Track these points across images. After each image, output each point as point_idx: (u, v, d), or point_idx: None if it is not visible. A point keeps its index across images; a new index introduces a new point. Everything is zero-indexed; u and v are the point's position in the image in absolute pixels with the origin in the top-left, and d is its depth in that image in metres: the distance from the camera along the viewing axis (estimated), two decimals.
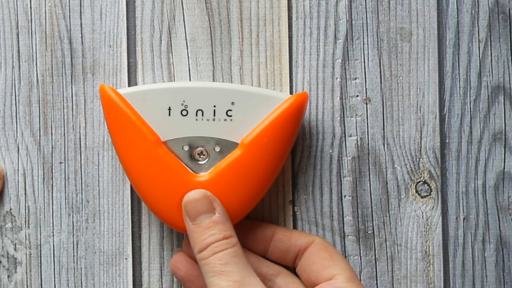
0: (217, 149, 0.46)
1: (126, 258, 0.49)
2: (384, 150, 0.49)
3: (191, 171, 0.45)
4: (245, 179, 0.45)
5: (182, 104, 0.45)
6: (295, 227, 0.49)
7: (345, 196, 0.49)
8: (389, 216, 0.49)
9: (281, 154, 0.46)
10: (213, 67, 0.49)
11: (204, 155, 0.46)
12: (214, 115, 0.45)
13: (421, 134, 0.49)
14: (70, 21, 0.48)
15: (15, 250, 0.48)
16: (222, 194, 0.45)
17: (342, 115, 0.49)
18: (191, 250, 0.45)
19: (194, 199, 0.44)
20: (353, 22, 0.49)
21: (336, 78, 0.49)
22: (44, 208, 0.48)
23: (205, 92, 0.45)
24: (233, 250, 0.42)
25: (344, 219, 0.49)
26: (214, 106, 0.45)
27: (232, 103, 0.45)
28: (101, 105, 0.48)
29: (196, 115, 0.45)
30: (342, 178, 0.49)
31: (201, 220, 0.43)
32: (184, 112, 0.45)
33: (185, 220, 0.44)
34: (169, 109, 0.45)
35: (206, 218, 0.43)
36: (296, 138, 0.49)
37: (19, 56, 0.48)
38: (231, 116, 0.45)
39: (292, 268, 0.47)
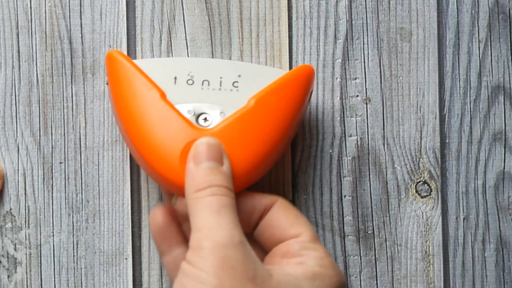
0: (222, 116, 0.44)
1: (126, 258, 0.49)
2: (384, 150, 0.49)
3: (196, 125, 0.44)
4: (252, 135, 0.43)
5: (188, 75, 0.45)
6: None
7: (345, 196, 0.49)
8: (389, 216, 0.49)
9: (289, 116, 0.44)
10: None
11: (208, 120, 0.44)
12: (220, 86, 0.45)
13: (421, 134, 0.49)
14: (70, 21, 0.48)
15: (15, 250, 0.48)
16: (229, 149, 0.43)
17: (342, 115, 0.49)
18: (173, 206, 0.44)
19: (208, 143, 0.42)
20: (353, 22, 0.49)
21: (336, 78, 0.49)
22: (44, 208, 0.48)
23: (212, 65, 0.45)
24: (231, 201, 0.40)
25: (344, 219, 0.49)
26: (221, 78, 0.45)
27: (239, 75, 0.45)
28: (100, 105, 0.48)
29: (202, 85, 0.45)
30: (342, 178, 0.49)
31: (207, 165, 0.41)
32: (190, 82, 0.45)
33: (188, 162, 0.41)
34: (175, 78, 0.45)
35: (213, 165, 0.41)
36: (296, 138, 0.49)
37: (19, 56, 0.48)
38: (237, 87, 0.45)
39: (249, 234, 0.44)
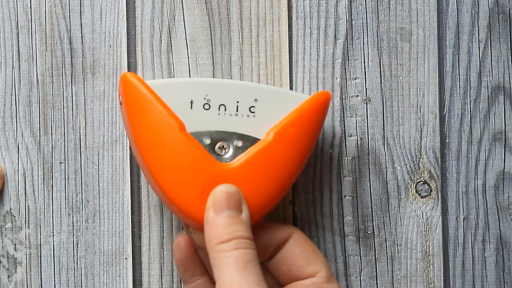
0: (239, 144, 0.45)
1: (126, 258, 0.49)
2: (384, 150, 0.49)
3: (216, 160, 0.44)
4: (272, 170, 0.44)
5: (204, 98, 0.44)
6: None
7: (345, 196, 0.49)
8: (389, 216, 0.49)
9: (307, 149, 0.45)
10: (213, 67, 0.49)
11: (225, 149, 0.45)
12: (237, 111, 0.45)
13: (421, 134, 0.49)
14: (70, 21, 0.48)
15: (15, 250, 0.48)
16: (248, 185, 0.43)
17: (342, 115, 0.49)
18: (195, 237, 0.44)
19: (228, 192, 0.42)
20: (353, 22, 0.49)
21: (336, 78, 0.49)
22: (44, 208, 0.48)
23: (228, 88, 0.45)
24: (255, 253, 0.40)
25: (344, 219, 0.49)
26: (237, 102, 0.45)
27: (255, 100, 0.45)
28: (100, 105, 0.48)
29: (219, 110, 0.45)
30: (342, 178, 0.49)
31: (227, 215, 0.41)
32: (207, 106, 0.44)
33: (207, 211, 0.42)
34: (191, 102, 0.44)
35: (233, 214, 0.41)
36: None
37: (19, 56, 0.48)
38: (254, 112, 0.45)
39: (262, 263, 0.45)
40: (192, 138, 0.44)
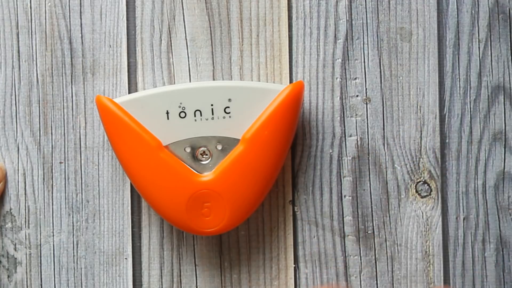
0: (219, 147, 0.46)
1: (126, 258, 0.49)
2: (384, 150, 0.49)
3: (195, 172, 0.45)
4: (249, 174, 0.45)
5: (179, 106, 0.45)
6: (295, 227, 0.49)
7: (345, 196, 0.49)
8: (389, 216, 0.49)
9: (283, 146, 0.46)
10: (213, 67, 0.49)
11: (206, 154, 0.46)
12: (213, 114, 0.45)
13: (421, 134, 0.49)
14: (70, 21, 0.48)
15: (15, 250, 0.48)
16: (228, 192, 0.45)
17: (342, 115, 0.49)
18: None
19: None
20: (353, 22, 0.49)
21: (336, 78, 0.49)
22: (44, 208, 0.48)
23: (201, 92, 0.45)
24: None
25: (344, 219, 0.49)
26: (212, 105, 0.45)
27: (229, 100, 0.45)
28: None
29: (195, 116, 0.45)
30: (342, 178, 0.49)
31: None
32: (183, 114, 0.45)
33: None
34: (167, 112, 0.45)
35: None
36: (296, 138, 0.49)
37: (19, 56, 0.48)
38: (229, 113, 0.45)
39: None
40: (170, 155, 0.45)
